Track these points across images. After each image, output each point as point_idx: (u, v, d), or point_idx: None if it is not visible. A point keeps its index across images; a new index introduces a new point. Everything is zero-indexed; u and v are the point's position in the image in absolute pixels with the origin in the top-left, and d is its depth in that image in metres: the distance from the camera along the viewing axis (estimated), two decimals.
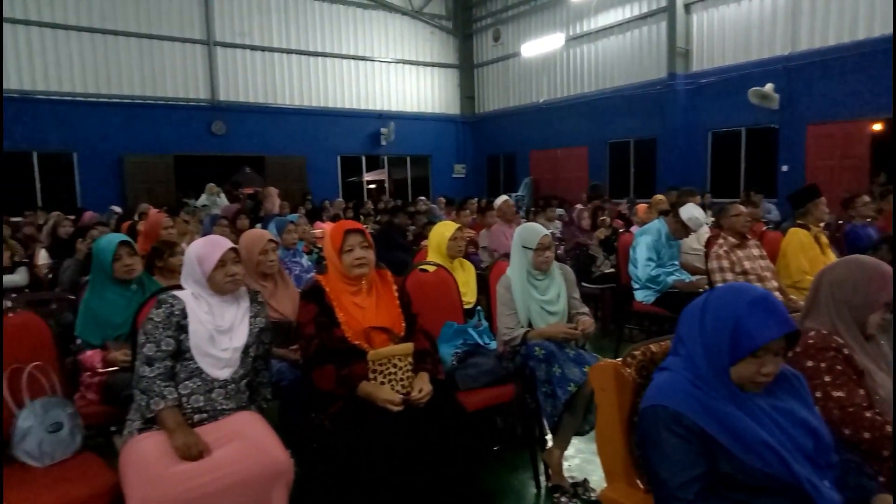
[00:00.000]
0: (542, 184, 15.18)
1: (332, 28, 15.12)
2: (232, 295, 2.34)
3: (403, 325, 2.50)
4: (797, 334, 1.47)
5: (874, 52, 9.02)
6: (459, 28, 17.08)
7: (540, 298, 2.98)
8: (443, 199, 11.92)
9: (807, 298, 1.92)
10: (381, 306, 2.51)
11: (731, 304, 1.45)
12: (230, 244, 2.34)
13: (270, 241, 3.14)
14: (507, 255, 3.32)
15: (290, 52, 14.59)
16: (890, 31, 8.47)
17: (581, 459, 3.15)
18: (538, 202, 11.06)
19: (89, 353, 2.79)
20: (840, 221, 5.34)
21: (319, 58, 15.02)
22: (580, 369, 2.72)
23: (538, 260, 2.96)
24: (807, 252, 4.15)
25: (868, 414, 1.64)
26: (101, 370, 2.72)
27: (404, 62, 16.32)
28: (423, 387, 2.31)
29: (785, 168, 10.59)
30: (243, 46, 13.97)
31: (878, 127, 9.59)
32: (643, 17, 12.60)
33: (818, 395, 1.67)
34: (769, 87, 10.15)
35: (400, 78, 16.31)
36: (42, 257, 5.60)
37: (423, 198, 12.46)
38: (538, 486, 2.89)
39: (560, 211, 8.89)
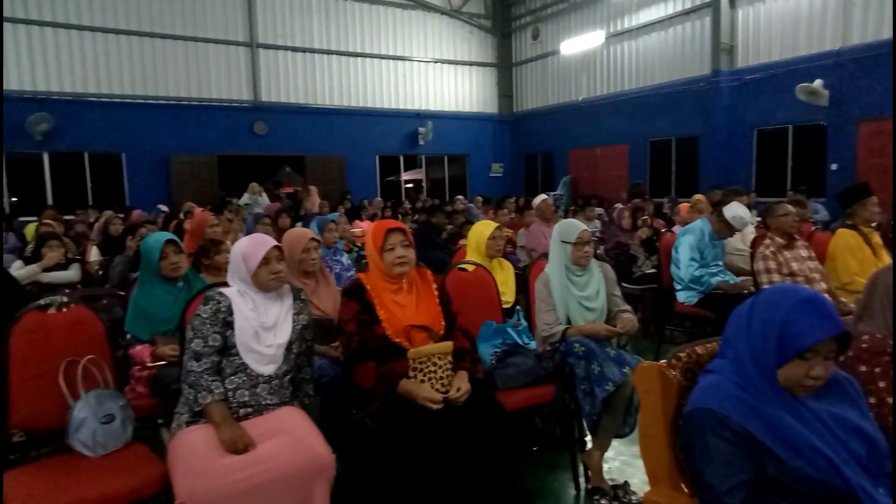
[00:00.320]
0: (581, 183, 15.02)
1: (371, 28, 15.25)
2: (276, 292, 2.38)
3: (443, 323, 2.51)
4: (848, 338, 1.43)
5: None
6: (498, 27, 17.02)
7: (579, 294, 2.96)
8: (479, 199, 11.91)
9: (860, 301, 1.85)
10: (421, 305, 2.53)
11: (779, 304, 1.41)
12: (274, 242, 2.38)
13: (313, 239, 3.19)
14: (546, 255, 3.31)
15: (330, 52, 14.77)
16: None
17: (621, 462, 3.12)
18: (577, 201, 10.96)
19: (139, 347, 2.88)
20: (893, 222, 5.15)
21: (359, 58, 15.16)
22: (620, 370, 2.69)
23: (577, 255, 2.95)
24: (856, 254, 4.01)
25: None
26: (150, 364, 2.80)
27: (442, 61, 16.35)
28: (462, 385, 2.32)
29: (834, 166, 10.26)
30: (285, 48, 14.19)
31: None
32: (686, 13, 12.35)
33: (872, 401, 1.62)
34: (818, 83, 9.84)
35: (438, 77, 16.35)
36: (93, 254, 5.79)
37: (460, 197, 12.47)
38: (578, 488, 2.86)
39: (599, 210, 8.79)
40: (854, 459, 1.38)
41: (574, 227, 3.02)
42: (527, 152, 17.18)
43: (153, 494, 2.02)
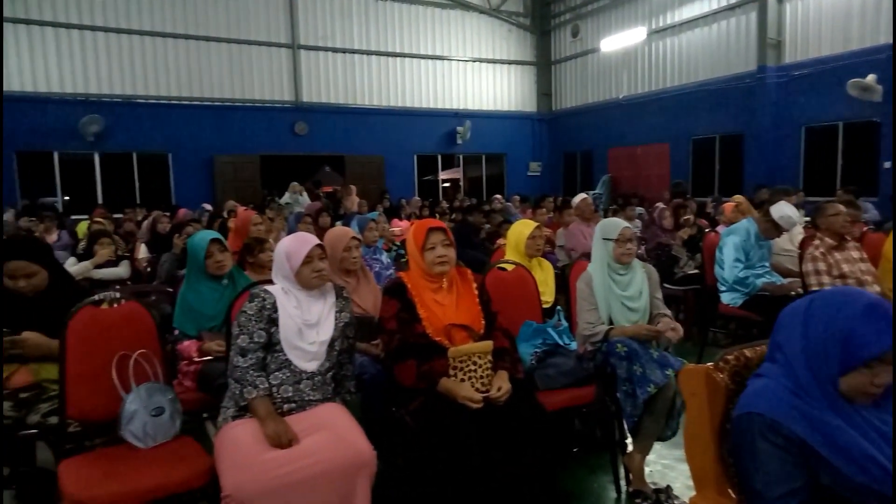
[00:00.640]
0: (621, 181, 14.81)
1: (410, 28, 15.33)
2: (319, 290, 2.42)
3: (483, 322, 2.52)
4: None
5: None
6: (537, 25, 16.91)
7: (621, 294, 2.93)
8: (517, 198, 11.85)
9: None
10: (461, 304, 2.53)
11: (840, 310, 1.36)
12: (317, 241, 2.42)
13: (354, 238, 3.23)
14: (586, 255, 3.28)
15: (369, 53, 14.90)
16: None
17: (663, 465, 3.07)
18: (616, 200, 10.83)
19: (186, 342, 2.96)
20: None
21: (398, 58, 15.26)
22: (663, 372, 2.65)
23: (619, 252, 2.92)
24: None
25: None
26: (196, 359, 2.88)
27: (481, 60, 16.32)
28: (502, 385, 2.32)
29: (887, 165, 9.87)
30: (325, 49, 14.38)
31: None
32: (731, 8, 12.06)
33: None
34: (871, 78, 9.48)
35: (476, 76, 16.33)
36: (142, 251, 5.98)
37: (498, 196, 12.43)
38: (619, 491, 2.83)
39: (639, 210, 8.66)
40: None
41: (616, 224, 3.00)
42: (565, 151, 17.03)
43: (200, 486, 2.08)
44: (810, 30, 10.84)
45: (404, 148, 15.47)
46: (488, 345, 2.42)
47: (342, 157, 14.92)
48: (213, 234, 3.25)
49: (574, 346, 2.98)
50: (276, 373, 2.26)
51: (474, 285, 2.62)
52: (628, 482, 2.81)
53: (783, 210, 4.06)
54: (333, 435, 2.11)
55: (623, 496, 2.80)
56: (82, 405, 2.27)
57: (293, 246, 2.38)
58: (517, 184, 16.46)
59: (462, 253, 4.99)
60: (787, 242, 4.69)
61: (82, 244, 5.47)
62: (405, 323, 2.43)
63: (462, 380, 2.34)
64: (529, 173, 17.26)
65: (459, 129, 15.79)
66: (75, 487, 1.94)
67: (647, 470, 2.88)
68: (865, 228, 5.17)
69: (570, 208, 6.38)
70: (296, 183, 12.16)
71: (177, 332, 3.01)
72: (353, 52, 14.72)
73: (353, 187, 12.05)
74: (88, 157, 12.52)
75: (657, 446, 3.10)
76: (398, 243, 6.33)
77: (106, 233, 5.34)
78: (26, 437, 2.39)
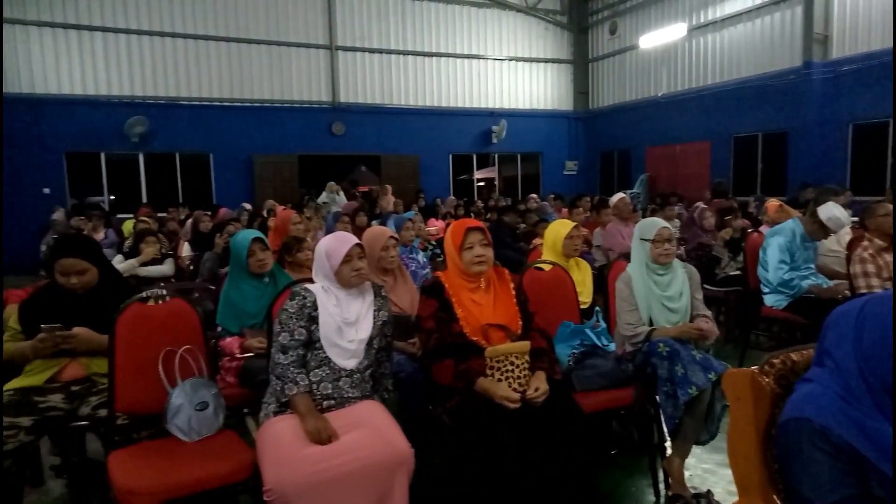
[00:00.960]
0: (659, 181, 14.57)
1: (446, 28, 15.35)
2: (358, 289, 2.45)
3: (520, 323, 2.51)
4: None
5: None
6: (574, 22, 16.76)
7: (661, 294, 2.90)
8: (551, 196, 11.76)
9: None
10: (498, 304, 2.53)
11: None
12: (356, 240, 2.45)
13: (391, 237, 3.25)
14: (624, 255, 3.25)
15: (406, 53, 14.98)
16: None
17: (703, 470, 3.02)
18: (655, 200, 10.66)
19: (228, 339, 3.02)
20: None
21: (434, 58, 15.30)
22: (705, 374, 2.60)
23: (656, 252, 2.90)
24: None
25: None
26: (238, 356, 2.94)
27: (517, 59, 16.25)
28: (540, 385, 2.31)
29: None
30: (363, 49, 14.50)
31: None
32: (776, 3, 11.74)
33: None
34: None
35: (512, 75, 16.27)
36: (185, 250, 6.13)
37: (533, 195, 12.36)
38: (657, 494, 2.79)
39: (679, 209, 8.51)
40: None
41: (654, 223, 2.97)
42: (602, 150, 16.84)
43: (243, 480, 2.12)
44: (859, 23, 10.49)
45: (440, 147, 15.51)
46: (526, 345, 2.42)
47: (378, 156, 15.04)
48: (256, 233, 3.31)
49: (612, 347, 2.95)
50: (316, 370, 2.30)
51: (511, 285, 2.62)
52: (667, 486, 2.77)
53: (831, 211, 3.93)
54: (372, 432, 2.13)
55: (662, 500, 2.76)
56: (130, 398, 2.34)
57: (333, 245, 2.41)
58: (553, 183, 16.34)
59: (497, 253, 5.00)
60: (834, 243, 4.55)
61: (128, 242, 5.64)
62: (442, 322, 2.44)
63: (499, 380, 2.34)
64: (565, 172, 17.12)
65: (495, 128, 15.75)
66: (124, 478, 2.00)
67: (686, 474, 2.83)
68: None
69: (607, 208, 6.30)
70: (333, 182, 12.31)
71: (219, 328, 3.07)
72: (390, 52, 14.81)
73: (389, 187, 12.14)
74: (133, 157, 12.89)
75: (697, 450, 3.06)
76: (434, 242, 6.36)
77: (151, 231, 5.49)
78: (77, 428, 2.48)
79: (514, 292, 2.60)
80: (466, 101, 15.77)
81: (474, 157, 16.46)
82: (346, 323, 2.36)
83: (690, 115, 13.73)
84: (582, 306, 3.44)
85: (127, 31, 12.45)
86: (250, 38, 13.44)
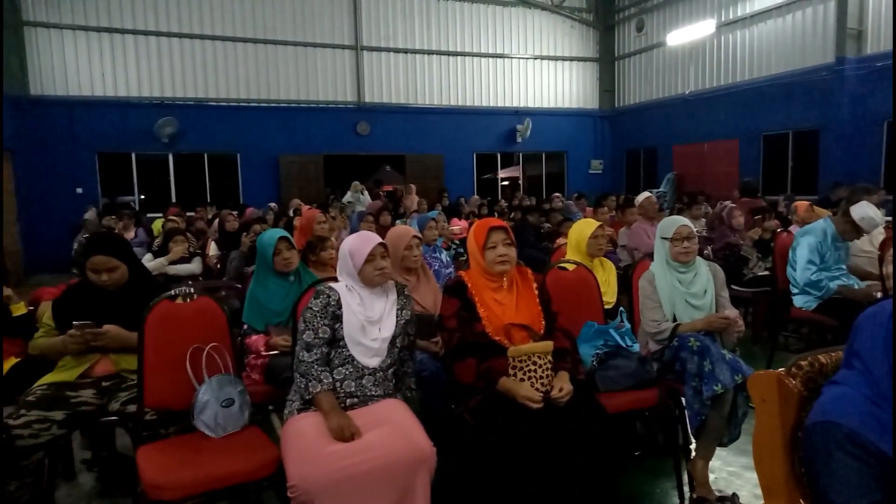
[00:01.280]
0: (687, 179, 14.38)
1: (471, 27, 15.34)
2: (381, 288, 2.46)
3: (543, 322, 2.50)
4: None
5: None
6: (601, 20, 16.61)
7: (685, 291, 2.89)
8: (576, 196, 11.67)
9: None
10: (521, 303, 2.53)
11: None
12: (379, 239, 2.47)
13: (415, 237, 3.26)
14: (650, 255, 3.22)
15: (430, 52, 15.00)
16: None
17: (728, 473, 2.98)
18: (682, 198, 10.52)
19: (254, 337, 3.06)
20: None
21: (459, 57, 15.30)
22: (732, 375, 2.57)
23: (675, 251, 2.91)
24: None
25: None
26: (264, 353, 2.98)
27: (542, 58, 16.16)
28: (563, 386, 2.30)
29: None
30: (388, 49, 14.57)
31: None
32: None
33: None
34: None
35: (537, 74, 16.19)
36: (212, 249, 6.22)
37: (557, 194, 12.29)
38: (682, 497, 2.76)
39: (707, 208, 8.39)
40: None
41: (673, 222, 2.98)
42: (628, 148, 16.67)
43: (267, 476, 2.15)
44: None
45: (464, 146, 15.51)
46: (548, 345, 2.41)
47: (402, 156, 15.09)
48: (282, 232, 3.34)
49: (636, 347, 2.92)
50: (340, 368, 2.32)
51: (534, 285, 2.61)
52: (692, 489, 2.74)
53: (865, 211, 3.84)
54: (394, 430, 2.14)
55: (687, 502, 2.73)
56: (158, 395, 2.39)
57: (356, 244, 2.43)
58: (578, 182, 16.23)
59: (521, 252, 4.98)
60: (867, 244, 4.45)
61: (158, 241, 5.75)
62: (465, 321, 2.44)
63: (521, 379, 2.33)
64: (591, 171, 16.99)
65: (519, 126, 15.69)
66: (153, 473, 2.04)
67: (711, 477, 2.80)
68: None
69: (632, 207, 6.24)
70: (357, 182, 12.40)
71: (245, 326, 3.11)
72: (415, 51, 14.85)
73: (413, 186, 12.19)
74: (163, 157, 13.13)
75: (723, 453, 3.02)
76: (457, 242, 6.36)
77: (180, 230, 5.58)
78: (107, 423, 2.54)
79: (536, 292, 2.59)
80: (491, 100, 15.74)
81: (498, 156, 16.42)
82: (370, 321, 2.38)
83: (718, 112, 13.52)
84: (606, 306, 3.42)
85: (157, 34, 12.69)
86: (277, 40, 13.59)
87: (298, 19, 13.73)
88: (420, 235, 3.54)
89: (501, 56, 15.71)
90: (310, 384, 2.23)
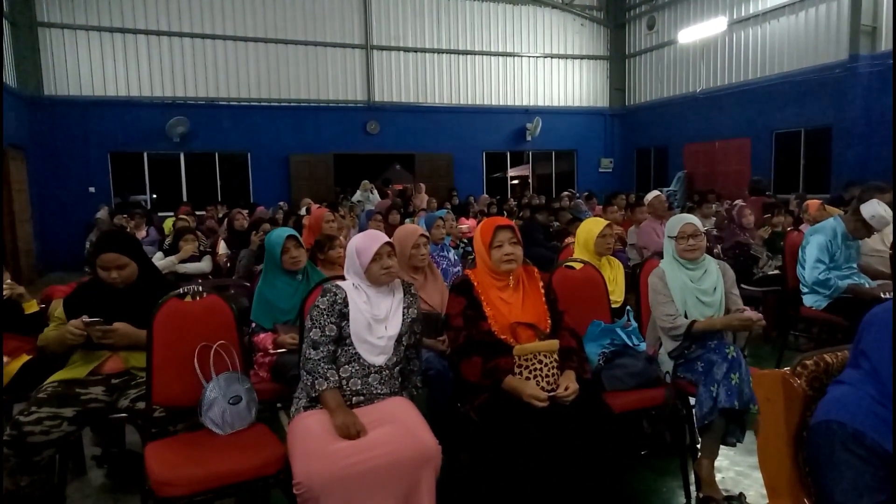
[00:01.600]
0: (697, 178, 14.29)
1: (481, 26, 15.32)
2: (388, 286, 2.47)
3: (549, 321, 2.50)
4: None
5: None
6: (611, 18, 16.54)
7: (695, 287, 2.90)
8: (585, 194, 11.64)
9: None
10: (527, 302, 2.53)
11: None
12: (386, 238, 2.47)
13: (422, 235, 3.27)
14: (658, 254, 3.22)
15: (440, 51, 15.00)
16: None
17: (736, 472, 2.96)
18: (693, 197, 10.46)
19: (262, 335, 3.08)
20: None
21: (468, 56, 15.28)
22: (753, 398, 2.56)
23: (680, 248, 2.93)
24: None
25: None
26: (271, 351, 3.00)
27: (552, 56, 16.11)
28: (569, 385, 2.30)
29: None
30: (398, 48, 14.58)
31: None
32: None
33: None
34: None
35: (547, 72, 16.14)
36: (222, 247, 6.26)
37: (566, 193, 12.24)
38: (688, 496, 2.75)
39: (716, 206, 8.33)
40: None
41: (678, 220, 3.00)
42: (638, 147, 16.59)
43: (274, 473, 2.16)
44: None
45: (473, 145, 15.50)
46: (554, 344, 2.41)
47: (412, 155, 15.11)
48: (290, 230, 3.36)
49: (643, 347, 2.91)
50: (346, 366, 2.33)
51: (541, 284, 2.61)
52: (698, 488, 2.73)
53: (875, 209, 3.81)
54: (400, 428, 2.15)
55: (693, 502, 2.72)
56: (167, 392, 2.41)
57: (363, 243, 2.44)
58: (588, 181, 16.18)
59: (530, 251, 4.97)
60: (879, 243, 4.40)
61: (168, 240, 5.79)
62: (471, 320, 2.45)
63: (527, 378, 2.33)
64: (601, 170, 16.92)
65: (529, 125, 15.66)
66: (160, 469, 2.06)
67: (719, 476, 2.79)
68: None
69: (642, 206, 6.22)
70: (366, 181, 12.42)
71: (253, 324, 3.13)
72: (425, 51, 14.86)
73: (423, 185, 12.20)
74: (175, 157, 13.22)
75: (731, 453, 3.01)
76: (465, 241, 6.36)
77: (190, 229, 5.62)
78: (117, 420, 2.57)
79: (543, 291, 2.59)
80: (501, 99, 15.71)
81: (508, 154, 16.40)
82: (376, 319, 2.39)
83: (730, 110, 13.42)
84: (614, 305, 3.41)
85: (169, 34, 12.78)
86: (287, 39, 13.64)
87: (309, 19, 13.77)
88: (428, 234, 3.54)
89: (511, 55, 15.68)
90: (316, 382, 2.25)
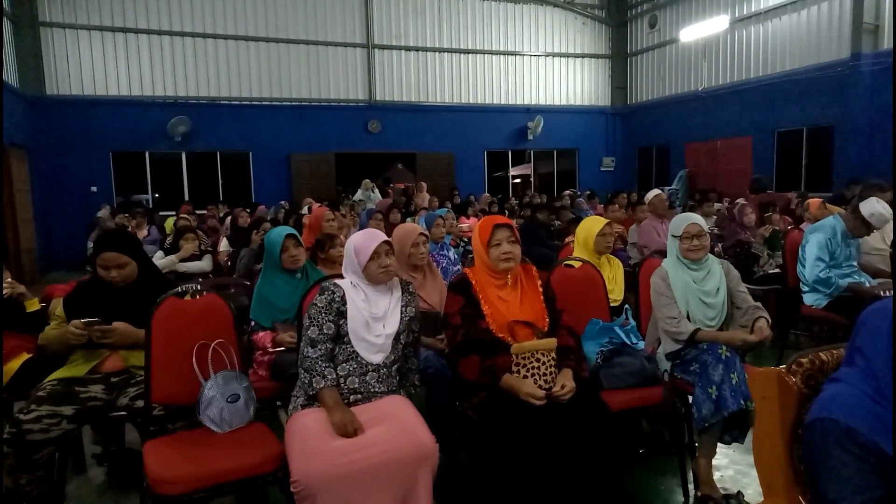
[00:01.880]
0: (699, 177, 14.28)
1: (483, 25, 15.31)
2: (386, 285, 2.47)
3: (547, 320, 2.50)
4: None
5: None
6: (613, 16, 16.51)
7: (698, 288, 2.88)
8: (587, 193, 11.63)
9: None
10: (525, 301, 2.53)
11: None
12: (384, 237, 2.47)
13: (421, 234, 3.27)
14: (659, 252, 3.21)
15: (441, 50, 15.00)
16: None
17: (735, 471, 2.96)
18: (694, 196, 10.45)
19: (261, 333, 3.09)
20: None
21: (470, 55, 15.28)
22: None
23: (684, 248, 2.90)
24: None
25: None
26: (270, 350, 3.00)
27: (554, 55, 16.10)
28: (566, 383, 2.30)
29: None
30: (399, 48, 14.58)
31: None
32: None
33: None
34: None
35: (549, 71, 16.13)
36: (223, 245, 6.27)
37: (568, 192, 12.24)
38: (686, 495, 2.75)
39: (717, 206, 8.33)
40: None
41: (682, 220, 2.97)
42: (640, 145, 16.57)
43: (271, 471, 2.17)
44: None
45: (475, 144, 15.49)
46: (552, 342, 2.41)
47: (413, 154, 15.12)
48: (289, 229, 3.37)
49: (641, 345, 2.91)
50: (344, 364, 2.33)
51: (539, 282, 2.61)
52: (697, 486, 2.73)
53: (874, 206, 3.81)
54: (397, 426, 2.15)
55: (691, 500, 2.72)
56: (165, 390, 2.42)
57: (361, 242, 2.44)
58: (590, 179, 16.17)
59: (529, 250, 4.97)
60: (879, 241, 4.39)
61: (169, 239, 5.80)
62: (469, 318, 2.45)
63: (525, 376, 2.34)
64: (602, 169, 16.91)
65: (530, 124, 15.65)
66: (157, 467, 2.06)
67: (718, 475, 2.79)
68: None
69: (643, 204, 6.21)
70: (368, 180, 12.43)
71: (253, 323, 3.14)
72: (426, 49, 14.85)
73: (424, 184, 12.21)
74: (176, 156, 13.24)
75: (730, 451, 3.01)
76: (466, 239, 6.36)
77: (190, 228, 5.63)
78: (116, 418, 2.57)
79: (541, 289, 2.59)
80: (502, 98, 15.70)
81: (509, 153, 16.39)
82: (374, 318, 2.39)
83: (732, 109, 13.40)
84: (613, 304, 3.41)
85: (170, 34, 12.79)
86: (289, 38, 13.65)
87: (310, 18, 13.78)
88: (427, 233, 3.54)
89: (513, 53, 15.67)
90: (313, 380, 2.25)
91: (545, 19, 15.90)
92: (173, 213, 10.23)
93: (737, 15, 13.13)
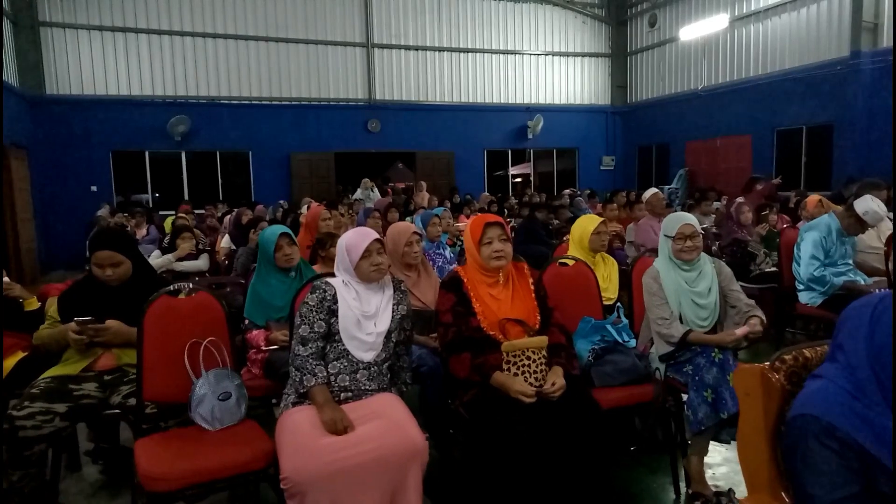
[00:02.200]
0: (699, 175, 14.26)
1: (482, 23, 15.30)
2: (377, 283, 2.48)
3: (538, 318, 2.51)
4: None
5: None
6: (613, 15, 16.50)
7: (689, 289, 2.85)
8: (587, 192, 11.63)
9: None
10: (516, 299, 2.53)
11: None
12: (376, 235, 2.48)
13: (415, 233, 3.28)
14: (653, 251, 3.21)
15: (441, 49, 14.99)
16: None
17: (728, 469, 2.97)
18: (693, 194, 10.44)
19: (255, 332, 3.09)
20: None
21: (469, 54, 15.27)
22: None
23: (676, 249, 2.87)
24: None
25: None
26: (264, 348, 3.01)
27: (554, 54, 16.09)
28: (556, 380, 2.31)
29: None
30: (398, 47, 14.58)
31: None
32: None
33: None
34: None
35: (549, 70, 16.11)
36: (226, 241, 6.27)
37: (567, 191, 12.24)
38: (677, 492, 2.76)
39: (716, 204, 8.33)
40: None
41: (675, 219, 2.93)
42: (640, 144, 16.56)
43: (261, 468, 2.18)
44: None
45: (474, 143, 15.49)
46: (543, 340, 2.42)
47: (413, 153, 15.12)
48: (283, 228, 3.37)
49: (633, 343, 2.92)
50: (335, 362, 2.34)
51: (531, 280, 2.62)
52: (688, 484, 2.73)
53: (868, 204, 3.80)
54: (387, 423, 2.16)
55: (682, 498, 2.73)
56: (157, 388, 2.43)
57: (353, 240, 2.45)
58: (590, 179, 16.17)
59: (528, 248, 4.98)
60: (875, 239, 4.40)
61: (167, 238, 5.81)
62: (460, 316, 2.46)
63: (515, 374, 2.34)
64: (602, 168, 16.90)
65: (530, 123, 15.64)
66: (148, 465, 2.07)
67: (710, 472, 2.80)
68: None
69: (640, 203, 6.22)
70: (367, 179, 12.44)
71: (247, 322, 3.15)
72: (426, 48, 14.85)
73: (424, 183, 12.22)
74: (176, 155, 13.25)
75: (722, 449, 3.02)
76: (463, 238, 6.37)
77: (187, 228, 5.65)
78: (109, 416, 2.58)
79: (532, 287, 2.59)
80: (502, 97, 15.70)
81: (509, 152, 16.39)
82: (365, 316, 2.40)
83: (731, 108, 13.39)
84: (607, 302, 3.42)
85: (170, 33, 12.80)
86: (289, 38, 13.65)
87: (310, 17, 13.78)
88: (421, 232, 3.56)
89: (512, 52, 15.66)
90: (304, 378, 2.26)
91: (545, 18, 15.89)
92: (173, 212, 10.25)
93: (736, 13, 13.12)
